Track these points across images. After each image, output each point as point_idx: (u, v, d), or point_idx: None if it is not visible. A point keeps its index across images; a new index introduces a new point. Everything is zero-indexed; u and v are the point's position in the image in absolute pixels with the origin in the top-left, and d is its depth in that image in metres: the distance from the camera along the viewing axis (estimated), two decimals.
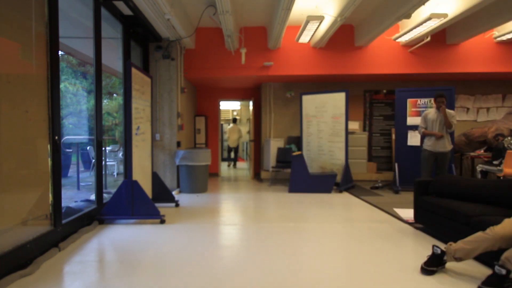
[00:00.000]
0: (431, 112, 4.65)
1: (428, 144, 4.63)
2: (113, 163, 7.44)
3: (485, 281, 2.01)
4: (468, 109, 7.25)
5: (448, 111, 4.49)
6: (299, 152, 5.99)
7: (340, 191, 5.71)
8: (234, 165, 10.30)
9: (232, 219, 3.96)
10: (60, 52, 2.90)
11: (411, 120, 5.79)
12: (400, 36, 5.74)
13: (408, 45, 6.16)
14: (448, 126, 4.46)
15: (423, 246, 2.89)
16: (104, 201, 3.91)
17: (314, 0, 4.91)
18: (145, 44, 5.51)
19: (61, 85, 2.95)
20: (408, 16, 4.52)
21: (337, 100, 6.01)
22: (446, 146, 4.54)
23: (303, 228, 3.52)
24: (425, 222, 3.36)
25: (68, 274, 2.33)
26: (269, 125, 7.38)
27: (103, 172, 4.74)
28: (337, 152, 6.04)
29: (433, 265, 2.30)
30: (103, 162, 5.50)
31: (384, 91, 7.33)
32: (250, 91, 8.25)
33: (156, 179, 4.57)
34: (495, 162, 5.36)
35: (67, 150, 6.66)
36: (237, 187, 6.35)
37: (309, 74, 6.33)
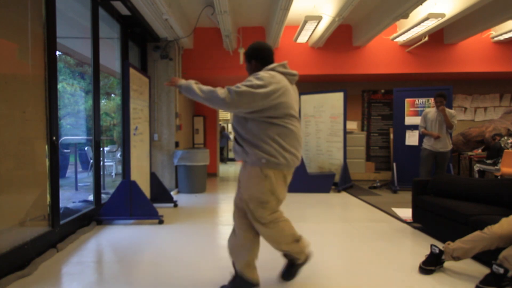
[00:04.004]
0: (431, 112, 4.63)
1: (428, 144, 4.62)
2: (111, 164, 7.42)
3: (483, 280, 2.02)
4: (465, 108, 7.27)
5: (449, 110, 4.46)
6: None
7: (339, 191, 5.72)
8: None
9: (231, 219, 3.94)
10: (57, 53, 2.89)
11: (409, 120, 5.81)
12: (398, 36, 5.75)
13: (406, 45, 6.17)
14: (449, 126, 4.43)
15: (421, 246, 2.89)
16: (102, 201, 3.90)
17: (312, 0, 4.91)
18: (143, 44, 5.50)
19: (59, 86, 2.94)
20: (406, 16, 4.53)
21: (335, 100, 6.01)
22: (446, 145, 4.52)
23: (302, 228, 3.51)
24: (423, 221, 3.37)
25: (66, 275, 2.32)
26: None
27: (101, 173, 4.74)
28: (335, 152, 6.05)
29: (431, 264, 2.30)
30: (101, 163, 5.49)
31: (382, 91, 7.34)
32: None
33: (154, 180, 4.56)
34: (489, 162, 5.36)
35: (65, 150, 6.64)
36: (235, 187, 6.34)
37: (307, 74, 6.33)
